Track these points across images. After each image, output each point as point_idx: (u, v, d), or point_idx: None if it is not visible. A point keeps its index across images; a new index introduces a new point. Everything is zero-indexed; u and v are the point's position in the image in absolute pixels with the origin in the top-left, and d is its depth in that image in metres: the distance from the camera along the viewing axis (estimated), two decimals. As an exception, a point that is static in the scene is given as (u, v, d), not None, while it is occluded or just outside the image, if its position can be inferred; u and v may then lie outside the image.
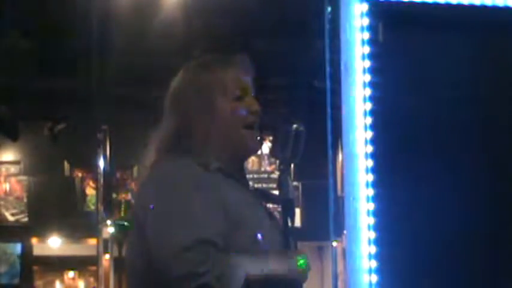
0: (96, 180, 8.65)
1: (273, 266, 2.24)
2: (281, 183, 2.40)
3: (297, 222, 12.02)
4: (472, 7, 3.91)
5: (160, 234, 2.19)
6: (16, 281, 12.41)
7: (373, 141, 3.72)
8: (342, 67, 3.81)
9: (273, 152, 2.43)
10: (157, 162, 2.37)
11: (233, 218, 2.24)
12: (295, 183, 10.91)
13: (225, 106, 2.40)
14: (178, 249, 2.13)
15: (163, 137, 2.41)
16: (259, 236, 2.29)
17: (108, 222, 9.37)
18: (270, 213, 2.44)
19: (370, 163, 3.71)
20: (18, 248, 12.36)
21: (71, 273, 12.84)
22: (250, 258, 2.22)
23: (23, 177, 12.38)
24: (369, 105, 3.74)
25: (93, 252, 8.64)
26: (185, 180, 2.27)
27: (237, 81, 2.44)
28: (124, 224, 9.15)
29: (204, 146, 2.37)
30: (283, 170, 2.40)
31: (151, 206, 2.26)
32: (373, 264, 3.65)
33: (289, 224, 2.37)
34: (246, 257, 2.21)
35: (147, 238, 2.23)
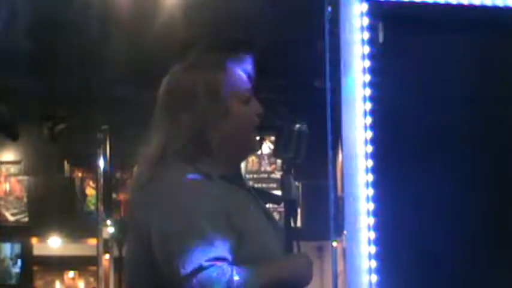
0: (96, 180, 8.65)
1: (284, 271, 2.24)
2: (284, 184, 2.38)
3: (297, 222, 11.99)
4: (471, 7, 3.91)
5: (172, 254, 2.14)
6: (16, 281, 12.41)
7: (373, 141, 3.73)
8: (342, 67, 3.81)
9: (275, 152, 2.40)
10: (162, 171, 2.27)
11: (238, 229, 2.21)
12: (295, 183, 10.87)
13: (238, 109, 2.34)
14: (193, 269, 2.10)
15: (169, 140, 2.30)
16: (263, 242, 2.28)
17: (108, 222, 9.37)
18: (268, 215, 2.42)
19: (370, 163, 3.71)
20: (18, 248, 12.37)
21: (71, 273, 12.85)
22: (262, 267, 2.21)
23: (23, 177, 12.38)
24: (368, 105, 3.74)
25: (93, 252, 8.63)
26: (193, 195, 2.20)
27: (247, 82, 2.40)
28: None
29: (213, 151, 2.31)
30: (286, 170, 2.39)
31: (158, 223, 2.19)
32: (373, 264, 3.65)
33: (292, 224, 2.36)
34: (257, 266, 2.20)
35: (155, 256, 2.18)
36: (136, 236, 2.28)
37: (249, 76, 2.40)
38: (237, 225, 2.21)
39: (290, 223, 2.35)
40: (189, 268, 2.10)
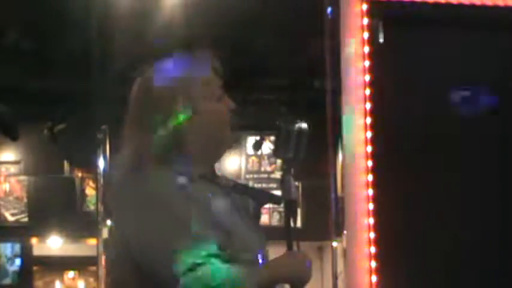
0: (96, 180, 8.64)
1: (281, 269, 2.23)
2: (284, 184, 2.38)
3: (297, 222, 11.98)
4: (472, 7, 3.91)
5: (166, 255, 2.12)
6: (16, 281, 12.41)
7: (373, 141, 3.73)
8: (342, 67, 3.81)
9: (275, 152, 2.40)
10: (142, 176, 2.23)
11: (223, 228, 2.21)
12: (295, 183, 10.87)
13: (210, 107, 2.35)
14: (188, 267, 2.08)
15: (145, 144, 2.27)
16: (247, 240, 2.27)
17: (108, 222, 9.36)
18: (247, 212, 2.41)
19: (370, 163, 3.71)
20: (17, 248, 12.38)
21: (71, 273, 12.84)
22: (259, 266, 2.21)
23: (23, 177, 12.38)
24: (369, 105, 3.74)
25: (93, 252, 8.61)
26: (178, 197, 2.18)
27: (216, 79, 2.40)
28: None
29: (189, 151, 2.29)
30: (286, 170, 2.38)
31: (146, 227, 2.16)
32: (373, 264, 3.65)
33: (292, 224, 2.36)
34: (254, 265, 2.20)
35: (146, 259, 2.16)
36: (120, 241, 2.26)
37: (217, 73, 2.40)
38: (221, 224, 2.21)
39: (290, 223, 2.35)
40: (183, 266, 2.10)
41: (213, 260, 2.11)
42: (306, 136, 2.36)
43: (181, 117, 2.29)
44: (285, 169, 2.37)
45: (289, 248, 2.31)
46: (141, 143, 2.29)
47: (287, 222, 2.34)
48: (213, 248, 2.14)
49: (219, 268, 2.11)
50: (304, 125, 2.36)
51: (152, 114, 2.30)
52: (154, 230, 2.16)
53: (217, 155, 2.43)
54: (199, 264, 2.09)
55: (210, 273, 2.09)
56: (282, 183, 2.35)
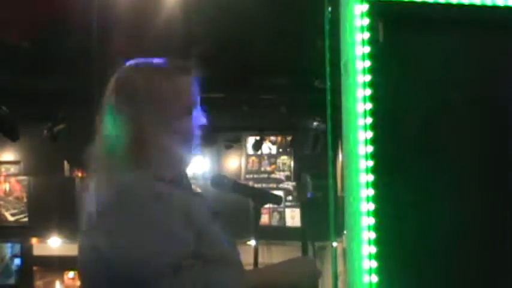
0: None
1: (280, 275, 2.23)
2: (300, 183, 2.38)
3: (297, 222, 12.00)
4: (472, 7, 3.91)
5: (147, 258, 2.12)
6: (16, 281, 12.41)
7: (373, 141, 3.73)
8: (342, 67, 3.81)
9: (293, 150, 2.41)
10: (116, 177, 2.24)
11: (197, 230, 2.20)
12: (294, 183, 10.92)
13: (184, 115, 2.35)
14: (171, 270, 2.09)
15: (120, 145, 2.30)
16: (221, 242, 2.26)
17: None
18: (215, 214, 2.41)
19: (370, 163, 3.71)
20: (18, 248, 12.37)
21: (70, 273, 12.85)
22: (239, 266, 2.20)
23: (23, 177, 12.39)
24: (369, 105, 3.74)
25: (93, 252, 8.64)
26: (155, 199, 2.18)
27: (193, 88, 2.40)
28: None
29: (162, 157, 2.30)
30: (301, 168, 2.38)
31: (126, 231, 2.15)
32: (373, 264, 3.65)
33: (308, 226, 2.34)
34: (232, 266, 2.19)
35: (125, 264, 2.13)
36: (93, 244, 2.23)
37: (194, 86, 2.40)
38: (196, 226, 2.19)
39: (305, 225, 2.34)
40: (164, 269, 2.08)
41: (194, 260, 2.10)
42: (323, 135, 2.37)
43: (149, 120, 2.29)
44: (298, 167, 2.37)
45: (305, 249, 2.30)
46: (116, 146, 2.31)
47: (303, 224, 2.32)
48: (193, 248, 2.12)
49: (204, 271, 2.10)
50: (322, 124, 2.37)
51: (125, 117, 2.32)
52: (131, 232, 2.15)
53: (188, 159, 2.42)
54: (181, 267, 2.08)
55: (194, 277, 2.08)
56: (298, 182, 2.35)
